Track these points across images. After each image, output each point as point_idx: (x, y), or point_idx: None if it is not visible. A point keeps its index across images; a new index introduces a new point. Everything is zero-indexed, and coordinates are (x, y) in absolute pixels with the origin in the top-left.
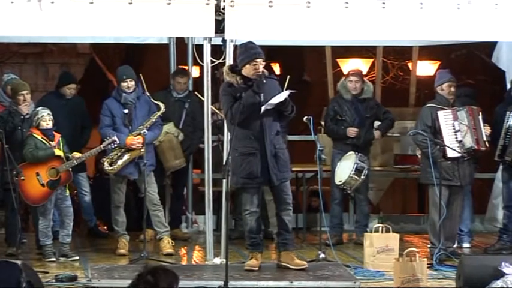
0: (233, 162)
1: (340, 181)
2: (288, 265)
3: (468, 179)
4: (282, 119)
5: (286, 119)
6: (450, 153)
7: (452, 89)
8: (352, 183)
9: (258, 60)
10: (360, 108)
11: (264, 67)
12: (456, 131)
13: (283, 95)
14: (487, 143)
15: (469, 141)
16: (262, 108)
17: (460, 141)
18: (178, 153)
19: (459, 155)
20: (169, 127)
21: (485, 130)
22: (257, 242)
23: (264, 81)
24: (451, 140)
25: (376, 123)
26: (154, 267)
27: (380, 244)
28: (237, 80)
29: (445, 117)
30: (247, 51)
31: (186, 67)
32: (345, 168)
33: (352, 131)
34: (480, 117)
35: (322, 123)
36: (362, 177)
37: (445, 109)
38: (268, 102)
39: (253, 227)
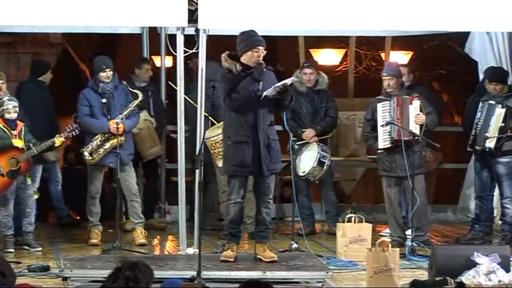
0: (225, 150)
1: (304, 172)
2: (261, 257)
3: (407, 169)
4: (281, 109)
5: (285, 108)
6: (381, 145)
7: (387, 83)
8: (315, 174)
9: (260, 47)
10: (316, 100)
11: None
12: (388, 122)
13: (287, 81)
14: (414, 131)
15: (393, 132)
16: (264, 93)
17: (389, 132)
18: (156, 140)
19: (389, 145)
20: (145, 114)
21: (417, 119)
22: (236, 233)
23: (264, 69)
24: (384, 131)
25: None
26: (132, 262)
27: (353, 234)
28: (236, 67)
29: (381, 109)
30: (249, 38)
31: (158, 57)
32: (308, 159)
33: (308, 135)
34: (412, 106)
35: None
36: (325, 167)
37: (386, 101)
38: (270, 89)
39: (235, 218)
